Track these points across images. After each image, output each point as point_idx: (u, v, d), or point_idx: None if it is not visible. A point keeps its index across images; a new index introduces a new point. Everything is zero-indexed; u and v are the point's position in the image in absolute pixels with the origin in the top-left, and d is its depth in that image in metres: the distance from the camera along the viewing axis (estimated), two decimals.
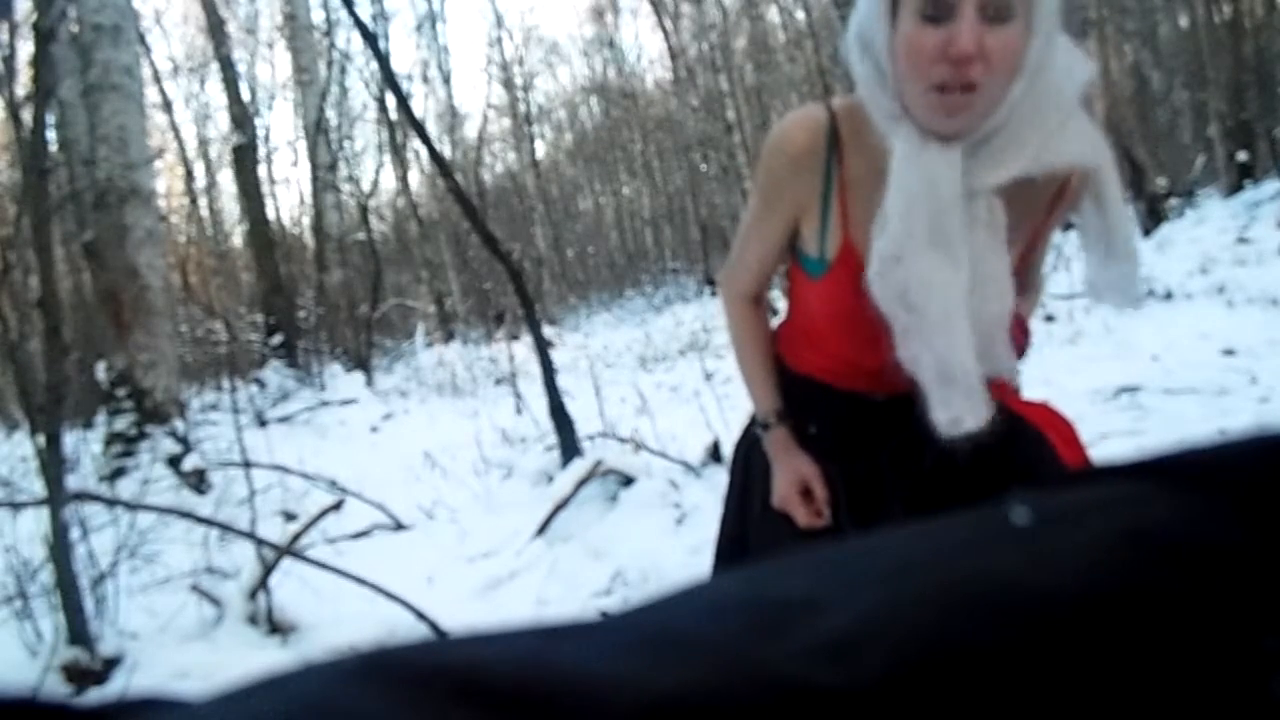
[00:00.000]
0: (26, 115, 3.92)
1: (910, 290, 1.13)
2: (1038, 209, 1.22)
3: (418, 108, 20.22)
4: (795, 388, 1.41)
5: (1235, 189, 9.86)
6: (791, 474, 1.37)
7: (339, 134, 13.39)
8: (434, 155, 4.86)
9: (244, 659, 2.49)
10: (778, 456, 1.39)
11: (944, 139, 1.09)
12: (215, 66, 12.48)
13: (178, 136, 15.38)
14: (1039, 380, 3.86)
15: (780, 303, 1.59)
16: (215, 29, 11.29)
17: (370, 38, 4.92)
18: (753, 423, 1.47)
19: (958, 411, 1.14)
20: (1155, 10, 16.71)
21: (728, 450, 3.30)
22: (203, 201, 17.37)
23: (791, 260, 1.34)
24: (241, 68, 14.79)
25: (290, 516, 3.97)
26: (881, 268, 1.14)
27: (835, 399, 1.37)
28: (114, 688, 2.41)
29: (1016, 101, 1.05)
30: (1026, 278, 1.29)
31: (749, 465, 1.49)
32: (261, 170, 13.28)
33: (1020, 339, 1.24)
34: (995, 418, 1.18)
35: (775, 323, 1.47)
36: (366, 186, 15.19)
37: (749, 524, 1.48)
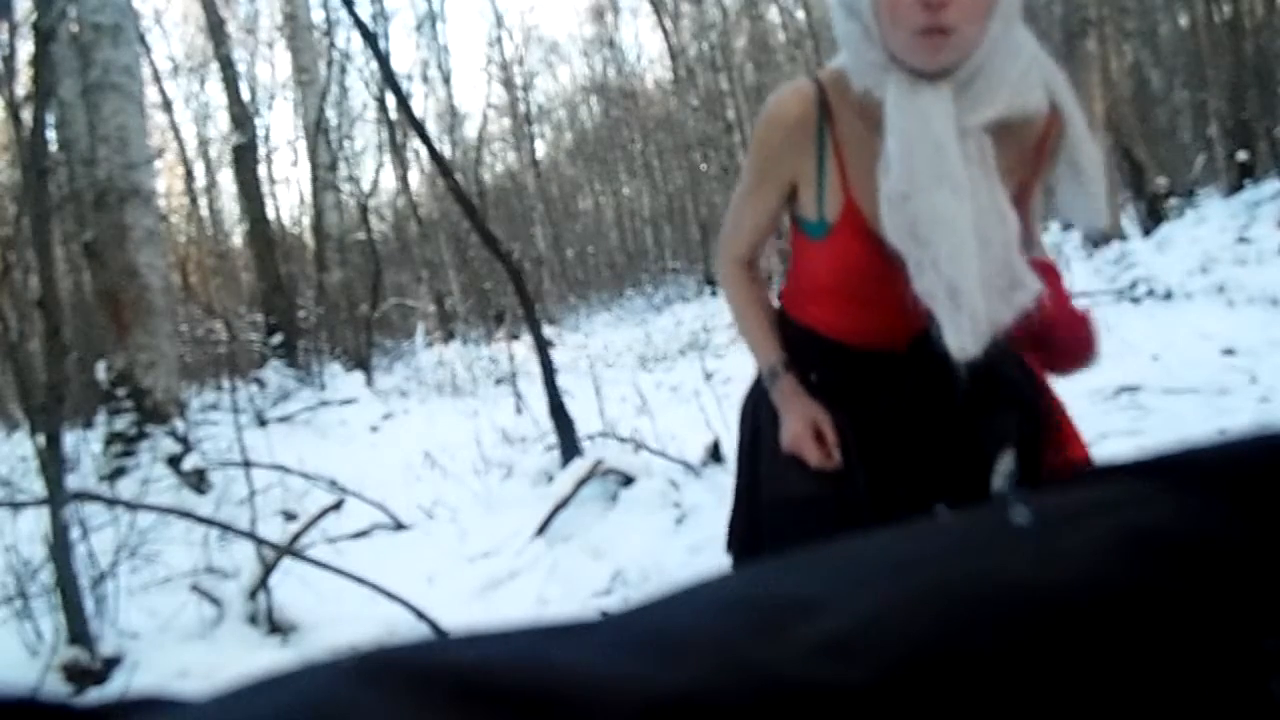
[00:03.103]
0: (26, 115, 3.92)
1: (919, 223, 1.20)
2: (1023, 158, 1.30)
3: (418, 108, 20.23)
4: (798, 339, 1.46)
5: (1235, 189, 9.86)
6: (801, 416, 1.40)
7: (339, 134, 13.40)
8: (434, 155, 4.86)
9: (244, 659, 2.49)
10: (786, 401, 1.43)
11: (932, 79, 1.18)
12: (215, 66, 12.47)
13: (178, 136, 15.38)
14: None
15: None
16: (215, 29, 11.28)
17: (370, 37, 4.92)
18: (759, 378, 1.51)
19: (967, 336, 1.21)
20: (1155, 10, 16.71)
21: (728, 450, 3.29)
22: (203, 201, 17.37)
23: (792, 226, 1.41)
24: (241, 68, 14.79)
25: (290, 516, 3.96)
26: (891, 206, 1.21)
27: (837, 351, 1.43)
28: (114, 688, 2.41)
29: (995, 41, 1.16)
30: (1024, 234, 1.34)
31: (757, 417, 1.52)
32: (261, 170, 13.28)
33: (1053, 282, 1.29)
34: (1000, 354, 1.28)
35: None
36: (366, 186, 15.19)
37: (759, 474, 1.51)
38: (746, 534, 1.53)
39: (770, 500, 1.47)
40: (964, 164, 1.20)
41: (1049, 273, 1.30)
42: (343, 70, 13.53)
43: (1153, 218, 9.24)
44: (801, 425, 1.39)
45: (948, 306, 1.21)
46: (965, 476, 1.36)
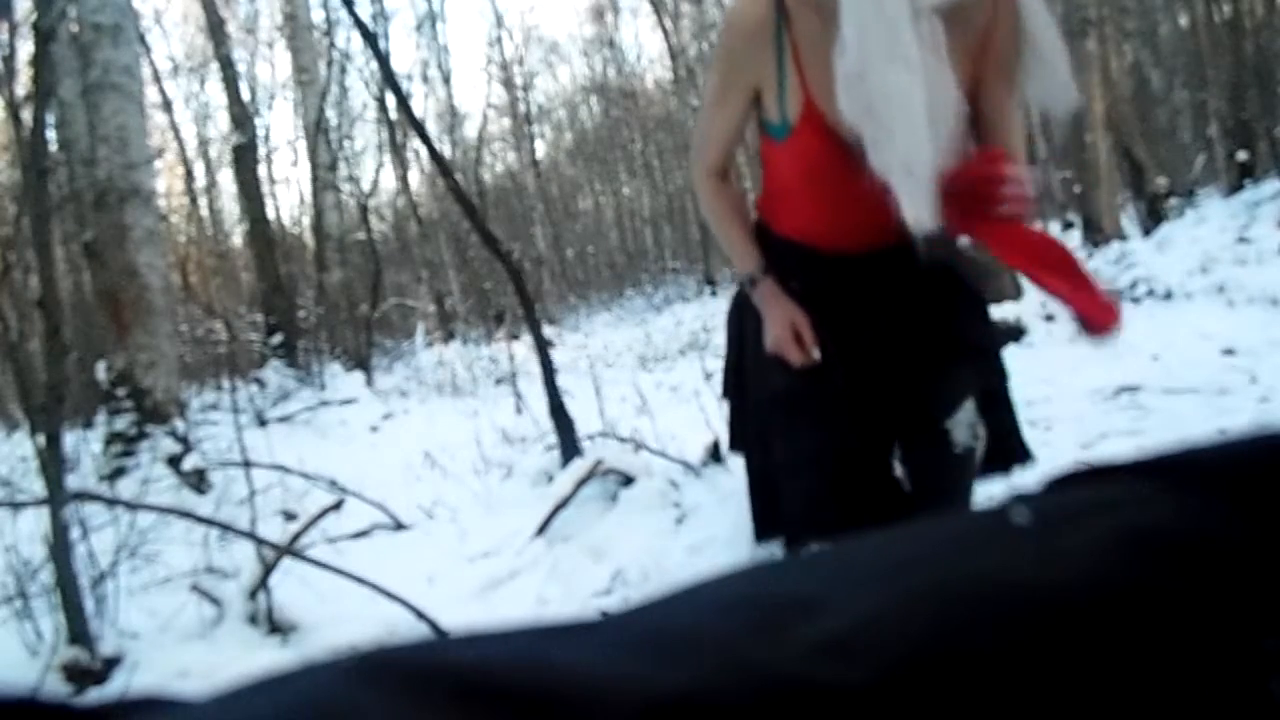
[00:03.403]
0: (26, 115, 3.92)
1: (874, 101, 1.26)
2: (970, 48, 1.35)
3: (418, 108, 20.23)
4: (776, 249, 1.54)
5: (1235, 188, 9.85)
6: (782, 319, 1.49)
7: (339, 134, 13.39)
8: (434, 155, 4.86)
9: (244, 659, 2.49)
10: (767, 305, 1.51)
11: None
12: (215, 66, 12.47)
13: (178, 136, 15.37)
14: (1039, 380, 3.86)
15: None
16: (215, 29, 11.28)
17: (370, 37, 4.92)
18: (741, 286, 1.60)
19: (921, 208, 1.27)
20: (1155, 10, 16.71)
21: (728, 450, 3.29)
22: (203, 201, 17.36)
23: (760, 131, 1.48)
24: (241, 67, 14.79)
25: (290, 516, 3.96)
26: (847, 85, 1.27)
27: (815, 257, 1.51)
28: (114, 688, 2.41)
29: None
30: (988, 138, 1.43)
31: (741, 322, 1.62)
32: (261, 170, 13.28)
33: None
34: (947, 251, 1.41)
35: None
36: (366, 186, 15.18)
37: (746, 374, 1.62)
38: (739, 430, 1.66)
39: (756, 397, 1.57)
40: (917, 43, 1.25)
41: (1002, 158, 1.34)
42: (343, 70, 13.53)
43: (1153, 218, 9.24)
44: (782, 327, 1.47)
45: (904, 179, 1.26)
46: (929, 376, 1.48)
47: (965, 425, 1.54)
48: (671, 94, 20.32)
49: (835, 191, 1.39)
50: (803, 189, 1.46)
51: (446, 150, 17.84)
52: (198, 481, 4.57)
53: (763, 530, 1.67)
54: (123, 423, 4.71)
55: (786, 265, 1.52)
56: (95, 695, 2.31)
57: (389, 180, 27.00)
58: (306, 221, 16.15)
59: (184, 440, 4.79)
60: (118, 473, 4.57)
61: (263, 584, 2.76)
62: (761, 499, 1.66)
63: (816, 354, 1.47)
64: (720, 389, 1.74)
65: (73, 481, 3.65)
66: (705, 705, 0.19)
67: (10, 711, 0.21)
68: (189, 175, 15.80)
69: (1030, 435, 2.53)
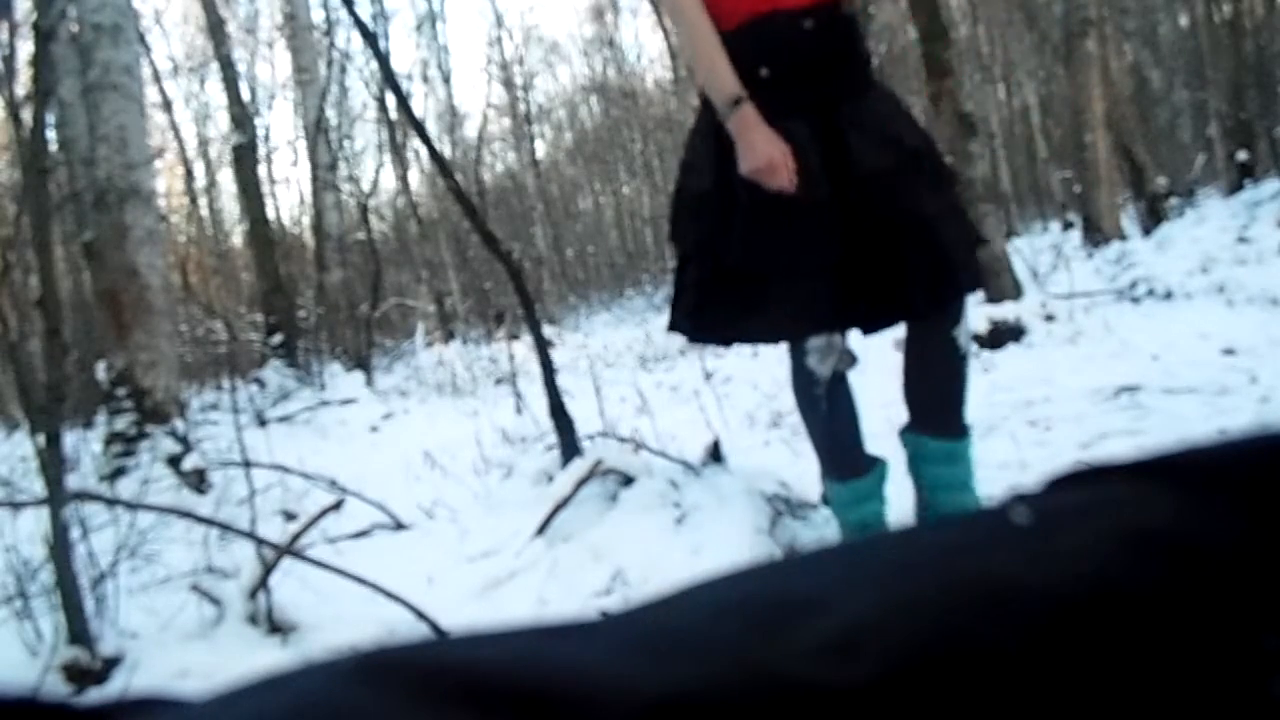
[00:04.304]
0: (26, 115, 3.92)
1: None
2: None
3: (418, 108, 20.22)
4: (738, 41, 1.72)
5: (1235, 188, 9.85)
6: (761, 147, 1.65)
7: (339, 134, 13.38)
8: (434, 155, 4.85)
9: (244, 659, 2.49)
10: (746, 131, 1.67)
11: None
12: (215, 66, 12.47)
13: (178, 136, 15.39)
14: (1039, 380, 3.86)
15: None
16: (215, 29, 11.28)
17: (370, 37, 4.92)
18: (713, 113, 1.75)
19: None
20: (1155, 10, 16.71)
21: (728, 450, 3.29)
22: (203, 201, 17.38)
23: None
24: (241, 67, 14.79)
25: (290, 516, 3.96)
26: None
27: (771, 30, 1.71)
28: (114, 688, 2.40)
29: None
30: None
31: (720, 138, 1.75)
32: (261, 170, 13.29)
33: None
34: None
35: None
36: (366, 186, 15.16)
37: (733, 183, 1.76)
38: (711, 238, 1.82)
39: (750, 201, 1.72)
40: None
41: None
42: (343, 70, 13.52)
43: (1153, 218, 9.23)
44: (759, 158, 1.64)
45: None
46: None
47: (965, 333, 1.87)
48: (671, 94, 20.31)
49: None
50: None
51: (446, 150, 17.84)
52: (198, 481, 4.57)
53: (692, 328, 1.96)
54: (123, 423, 4.71)
55: (749, 53, 1.70)
56: (95, 695, 2.31)
57: (389, 180, 27.00)
58: (306, 221, 16.17)
59: (184, 440, 4.79)
60: (118, 473, 4.57)
61: (263, 584, 2.76)
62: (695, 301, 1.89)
63: (795, 182, 1.64)
64: (671, 231, 1.97)
65: (73, 481, 3.65)
66: (705, 705, 0.19)
67: (10, 711, 0.21)
68: (189, 175, 15.82)
69: (1030, 435, 2.59)
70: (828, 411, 1.93)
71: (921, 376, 1.92)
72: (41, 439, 2.58)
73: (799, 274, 1.71)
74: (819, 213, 1.67)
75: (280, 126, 50.19)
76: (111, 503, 3.25)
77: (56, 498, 2.47)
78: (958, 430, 1.92)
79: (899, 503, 2.20)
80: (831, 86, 1.73)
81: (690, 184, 1.86)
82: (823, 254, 1.69)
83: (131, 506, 3.19)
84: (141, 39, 10.32)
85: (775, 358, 6.74)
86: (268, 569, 2.77)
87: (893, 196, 1.70)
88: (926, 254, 1.73)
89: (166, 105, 14.57)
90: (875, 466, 2.02)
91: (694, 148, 1.86)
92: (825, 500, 2.22)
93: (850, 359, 1.91)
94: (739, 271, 1.77)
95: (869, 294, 1.74)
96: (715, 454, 3.86)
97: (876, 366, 2.93)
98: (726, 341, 2.04)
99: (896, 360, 1.99)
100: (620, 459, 3.79)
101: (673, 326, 2.01)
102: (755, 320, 1.80)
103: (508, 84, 20.95)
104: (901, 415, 2.02)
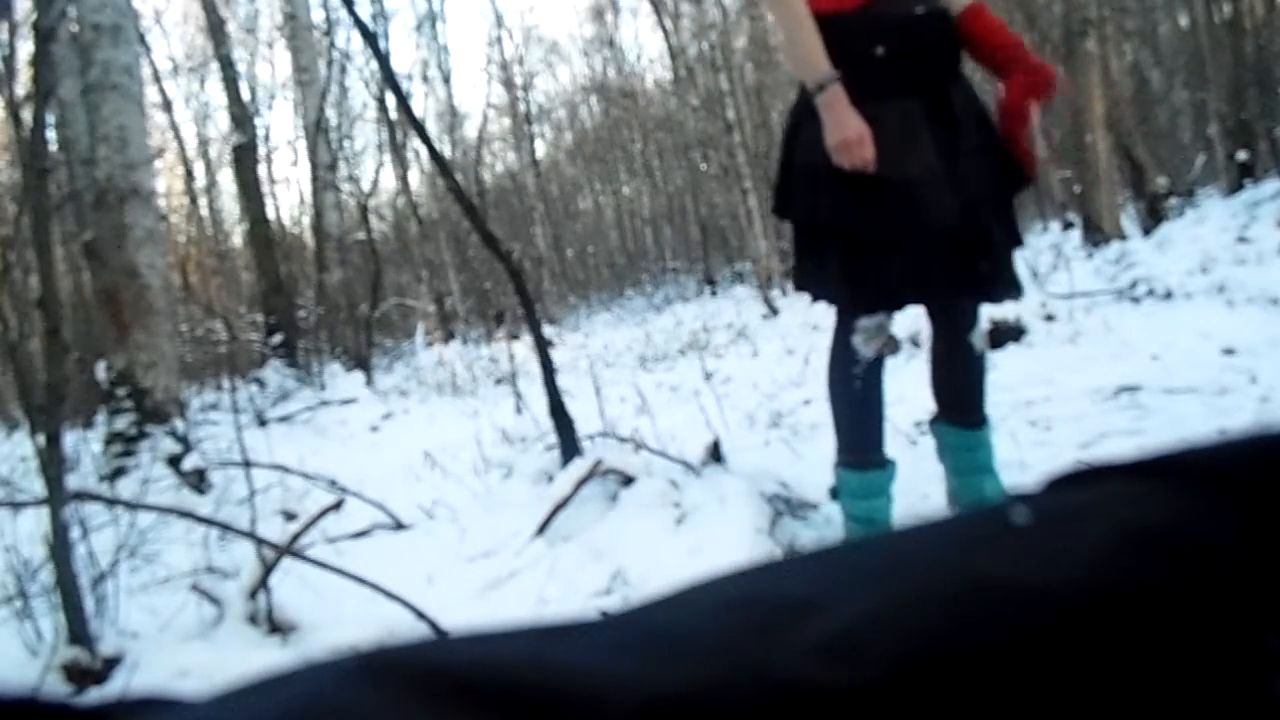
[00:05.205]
0: (26, 115, 3.92)
1: None
2: None
3: (418, 107, 20.23)
4: (856, 21, 1.83)
5: (1235, 188, 9.85)
6: (847, 124, 1.75)
7: (339, 134, 13.39)
8: (434, 155, 4.86)
9: (244, 659, 2.49)
10: (833, 110, 1.78)
11: None
12: (215, 66, 12.47)
13: (178, 136, 15.38)
14: (1039, 380, 3.86)
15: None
16: (215, 29, 11.28)
17: (370, 37, 4.92)
18: (805, 92, 1.87)
19: None
20: (1155, 10, 16.71)
21: (728, 450, 3.29)
22: (203, 201, 17.37)
23: None
24: (241, 67, 14.79)
25: (290, 516, 3.96)
26: None
27: (887, 13, 1.82)
28: (114, 687, 2.40)
29: None
30: None
31: (801, 124, 1.89)
32: (261, 170, 13.29)
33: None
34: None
35: None
36: (366, 186, 15.19)
37: (793, 171, 1.91)
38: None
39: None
40: None
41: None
42: (343, 70, 13.53)
43: (1153, 217, 9.23)
44: (849, 133, 1.74)
45: None
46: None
47: (979, 336, 2.06)
48: (671, 94, 20.30)
49: None
50: None
51: (446, 150, 17.85)
52: (198, 481, 4.56)
53: (865, 303, 1.97)
54: (123, 423, 4.71)
55: (862, 34, 1.81)
56: (95, 695, 2.31)
57: (389, 180, 27.02)
58: (306, 221, 16.16)
59: (184, 440, 4.79)
60: (118, 473, 4.58)
61: (263, 584, 2.76)
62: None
63: (873, 165, 1.74)
64: (775, 205, 2.04)
65: (73, 481, 3.65)
66: (705, 705, 0.19)
67: (10, 711, 0.21)
68: (189, 175, 15.82)
69: (1030, 435, 2.63)
70: (861, 393, 2.02)
71: (945, 376, 2.17)
72: (41, 439, 2.58)
73: (911, 241, 1.81)
74: (932, 183, 1.78)
75: (280, 126, 50.19)
76: (111, 503, 3.25)
77: (56, 498, 2.47)
78: (978, 420, 2.16)
79: (899, 503, 2.21)
80: (938, 68, 1.86)
81: (803, 159, 1.95)
82: (934, 222, 1.80)
83: (131, 506, 3.19)
84: (141, 39, 10.33)
85: (775, 358, 6.74)
86: (268, 569, 2.77)
87: (994, 173, 1.86)
88: (1009, 238, 1.91)
89: (166, 105, 14.58)
90: (888, 465, 2.14)
91: (798, 126, 1.95)
92: (833, 492, 2.25)
93: (895, 344, 2.01)
94: (859, 239, 1.88)
95: (956, 267, 1.86)
96: (715, 454, 3.86)
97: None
98: (873, 304, 2.06)
99: (894, 362, 2.04)
100: (620, 459, 3.79)
101: (799, 286, 2.14)
102: (865, 285, 1.90)
103: (508, 84, 20.95)
104: (901, 419, 2.07)
